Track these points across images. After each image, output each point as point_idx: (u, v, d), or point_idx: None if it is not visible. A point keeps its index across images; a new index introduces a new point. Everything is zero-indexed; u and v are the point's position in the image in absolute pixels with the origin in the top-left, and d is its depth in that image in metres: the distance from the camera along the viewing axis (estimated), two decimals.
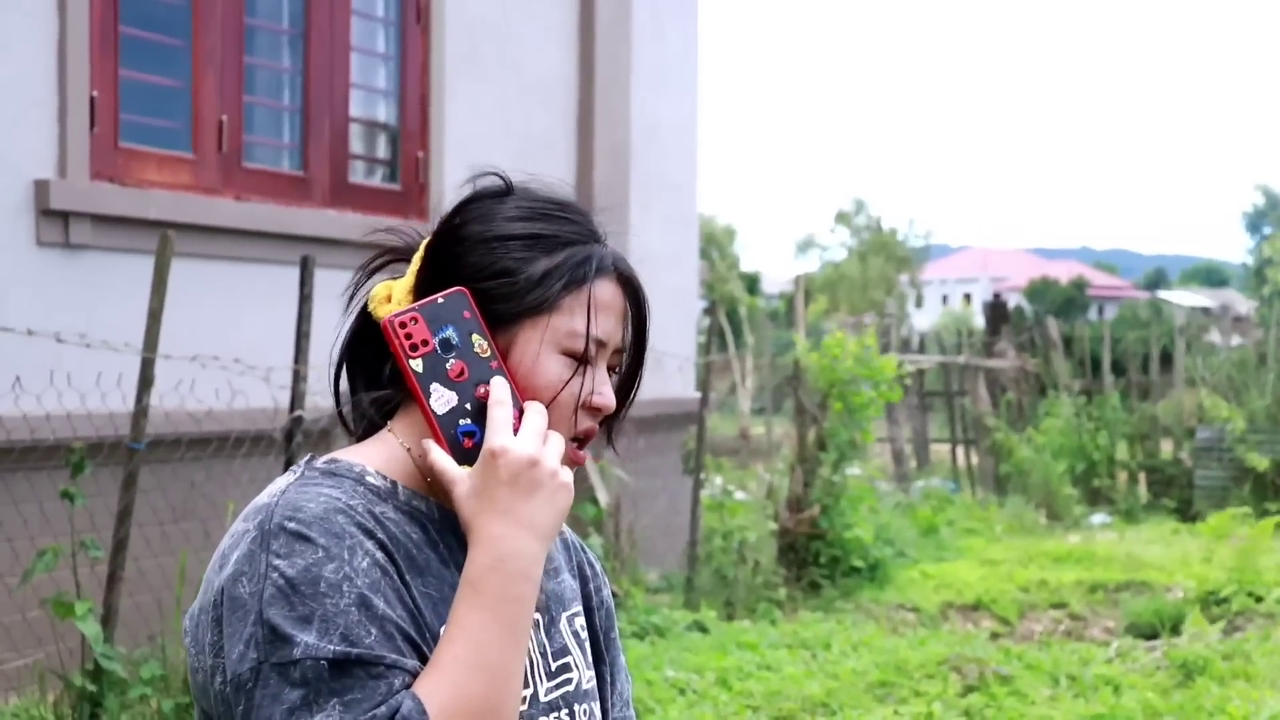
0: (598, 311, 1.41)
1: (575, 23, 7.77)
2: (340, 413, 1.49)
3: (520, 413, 1.36)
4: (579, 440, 1.43)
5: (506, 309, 1.39)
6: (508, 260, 1.40)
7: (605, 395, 1.43)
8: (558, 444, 1.36)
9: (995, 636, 7.54)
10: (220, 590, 1.31)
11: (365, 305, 1.46)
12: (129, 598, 4.85)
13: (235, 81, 5.89)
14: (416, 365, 1.36)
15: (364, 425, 1.46)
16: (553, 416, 1.38)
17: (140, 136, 5.54)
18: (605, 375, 1.44)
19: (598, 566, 1.64)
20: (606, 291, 1.43)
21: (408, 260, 1.46)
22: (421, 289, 1.41)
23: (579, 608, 1.55)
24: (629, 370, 1.50)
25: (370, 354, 1.45)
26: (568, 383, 1.40)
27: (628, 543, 7.52)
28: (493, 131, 7.07)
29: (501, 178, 1.46)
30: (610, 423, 1.49)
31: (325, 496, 1.33)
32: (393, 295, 1.43)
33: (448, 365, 1.36)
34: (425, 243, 1.45)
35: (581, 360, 1.40)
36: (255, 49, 6.17)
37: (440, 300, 1.37)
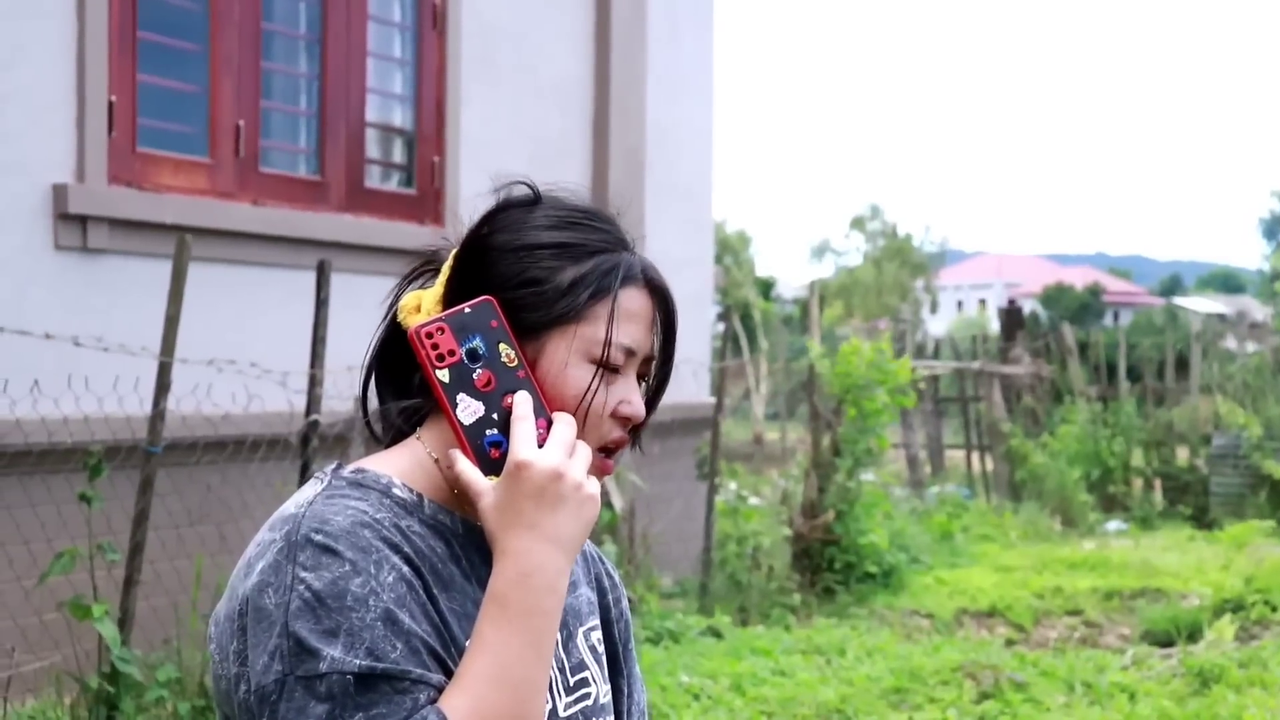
0: (626, 320, 1.40)
1: (590, 27, 7.78)
2: (368, 421, 1.48)
3: (548, 423, 1.36)
4: (608, 450, 1.42)
5: (535, 318, 1.38)
6: (536, 269, 1.39)
7: (634, 405, 1.42)
8: (584, 455, 1.35)
9: (1010, 643, 7.52)
10: (245, 599, 1.31)
11: (395, 314, 1.45)
12: (145, 601, 4.86)
13: (252, 86, 5.91)
14: (443, 375, 1.35)
15: (391, 434, 1.46)
16: (582, 426, 1.38)
17: (158, 141, 5.56)
18: (634, 384, 1.43)
19: (616, 577, 1.64)
20: (635, 300, 1.42)
21: (439, 270, 1.45)
22: (450, 298, 1.41)
23: (596, 621, 1.55)
24: (657, 378, 1.49)
25: (399, 363, 1.44)
26: (596, 391, 1.39)
27: (642, 548, 7.52)
28: (508, 136, 7.08)
29: (530, 187, 1.45)
30: (635, 429, 1.48)
31: (352, 510, 1.32)
32: (422, 305, 1.43)
33: (474, 375, 1.35)
34: (454, 252, 1.45)
35: (605, 368, 1.39)
36: (272, 54, 6.19)
37: (467, 310, 1.36)
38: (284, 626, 1.26)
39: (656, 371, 1.48)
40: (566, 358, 1.38)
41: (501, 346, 1.36)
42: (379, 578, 1.28)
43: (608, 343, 1.39)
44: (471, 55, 6.91)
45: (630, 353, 1.41)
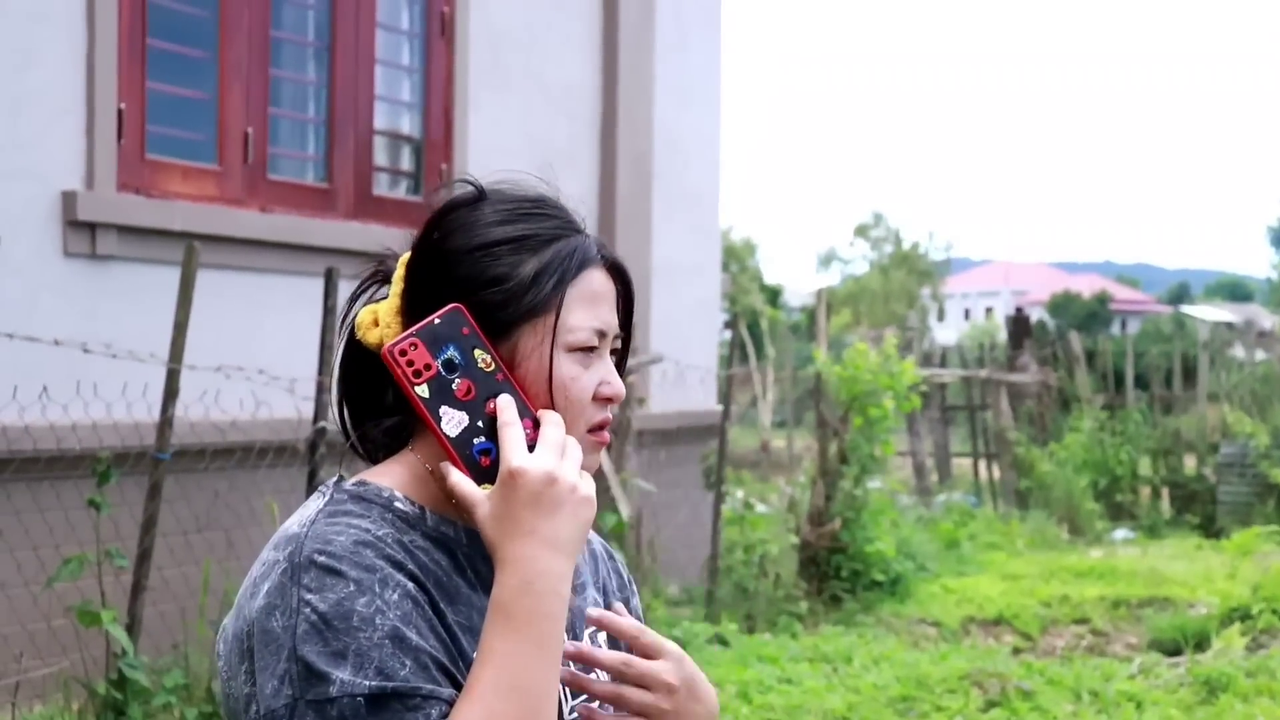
0: (593, 302, 1.40)
1: (598, 34, 7.79)
2: (352, 445, 1.47)
3: (534, 423, 1.35)
4: (596, 430, 1.42)
5: (504, 316, 1.37)
6: (498, 267, 1.38)
7: (615, 385, 1.42)
8: (575, 454, 1.35)
9: (1017, 651, 7.51)
10: (252, 621, 1.31)
11: (353, 333, 1.44)
12: (153, 607, 4.87)
13: (261, 94, 5.93)
14: (422, 391, 1.34)
15: (379, 451, 1.45)
16: (568, 414, 1.38)
17: (167, 148, 5.58)
18: (610, 365, 1.43)
19: (625, 574, 1.63)
20: (598, 281, 1.42)
21: (388, 281, 1.44)
22: (409, 308, 1.39)
23: None
24: (621, 351, 1.49)
25: (367, 380, 1.43)
26: (575, 379, 1.39)
27: (648, 555, 7.52)
28: (516, 143, 7.09)
29: (472, 183, 1.44)
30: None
31: (355, 528, 1.32)
32: (379, 318, 1.41)
33: (454, 386, 1.34)
34: (404, 260, 1.43)
35: (583, 351, 1.39)
36: (281, 61, 6.21)
37: (437, 321, 1.35)
38: (292, 650, 1.25)
39: (621, 345, 1.48)
40: (543, 351, 1.38)
41: (477, 352, 1.35)
42: (384, 596, 1.27)
43: (554, 331, 1.37)
44: (479, 63, 6.93)
45: (601, 334, 1.41)
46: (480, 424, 1.34)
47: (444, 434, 1.33)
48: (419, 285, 1.40)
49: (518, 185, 1.45)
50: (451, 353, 1.34)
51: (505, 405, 1.34)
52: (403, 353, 1.34)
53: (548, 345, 1.38)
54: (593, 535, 1.58)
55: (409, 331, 1.35)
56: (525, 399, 1.36)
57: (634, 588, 1.64)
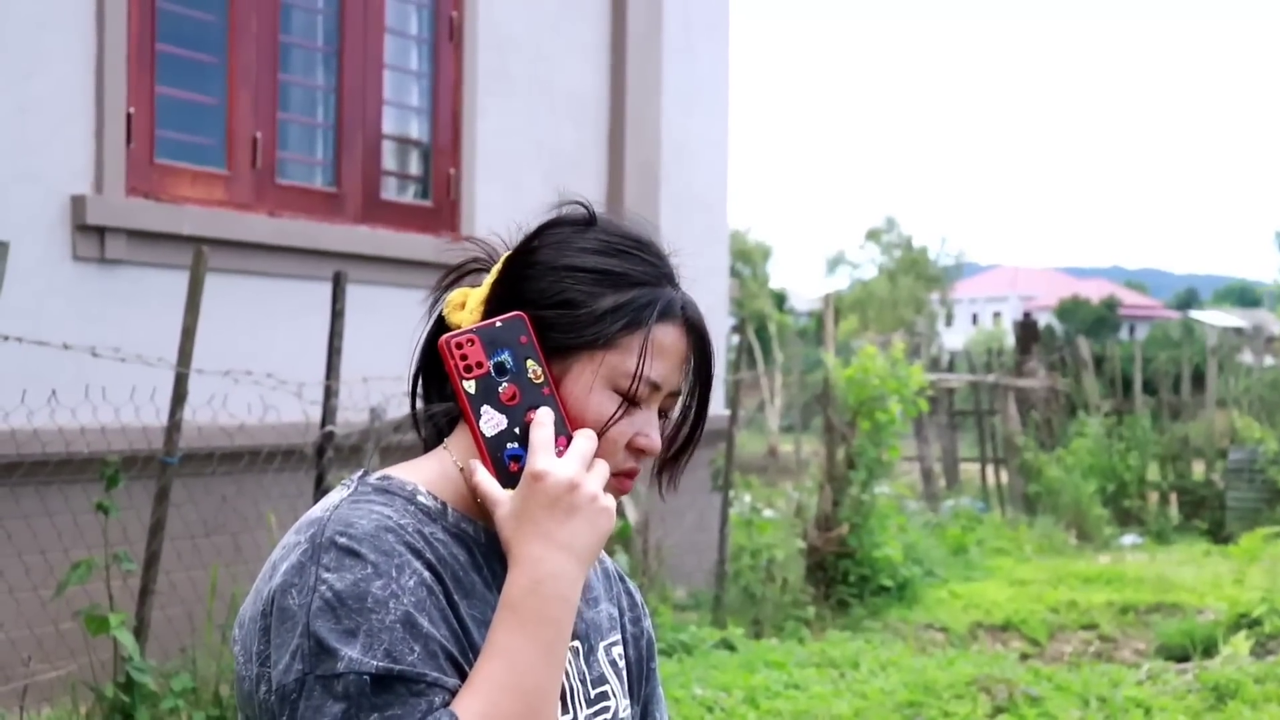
0: (657, 355, 1.41)
1: (606, 40, 7.80)
2: (416, 421, 1.51)
3: (568, 440, 1.37)
4: (622, 476, 1.43)
5: (564, 339, 1.39)
6: (573, 291, 1.40)
7: (652, 438, 1.43)
8: (602, 470, 1.37)
9: (1025, 657, 7.50)
10: (270, 600, 1.33)
11: (442, 312, 1.47)
12: (160, 611, 4.88)
13: (270, 98, 5.94)
14: (469, 386, 1.37)
15: (433, 433, 1.48)
16: (599, 451, 1.39)
17: (175, 153, 5.59)
18: (654, 419, 1.44)
19: (637, 596, 1.65)
20: (669, 336, 1.42)
21: (488, 270, 1.47)
22: (492, 302, 1.43)
23: (617, 637, 1.56)
24: (694, 418, 1.49)
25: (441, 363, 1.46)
26: (614, 420, 1.40)
27: (655, 560, 7.52)
28: (524, 148, 7.10)
29: (587, 208, 1.46)
30: (673, 467, 1.50)
31: (377, 514, 1.35)
32: (467, 303, 1.45)
33: (500, 388, 1.38)
34: (505, 256, 1.46)
35: (628, 399, 1.41)
36: (290, 66, 6.22)
37: (498, 324, 1.39)
38: (305, 626, 1.28)
39: (694, 412, 1.49)
40: (591, 383, 1.40)
41: (529, 362, 1.38)
42: (400, 581, 1.30)
43: (637, 376, 1.39)
44: (487, 68, 6.93)
45: (655, 387, 1.42)
46: (517, 430, 1.38)
47: (480, 432, 1.37)
48: (503, 285, 1.43)
49: (631, 221, 1.48)
50: (505, 357, 1.38)
51: (543, 415, 1.37)
52: (459, 346, 1.38)
53: (598, 379, 1.39)
54: (605, 557, 1.59)
55: (469, 327, 1.39)
56: (566, 418, 1.39)
57: (645, 610, 1.65)
